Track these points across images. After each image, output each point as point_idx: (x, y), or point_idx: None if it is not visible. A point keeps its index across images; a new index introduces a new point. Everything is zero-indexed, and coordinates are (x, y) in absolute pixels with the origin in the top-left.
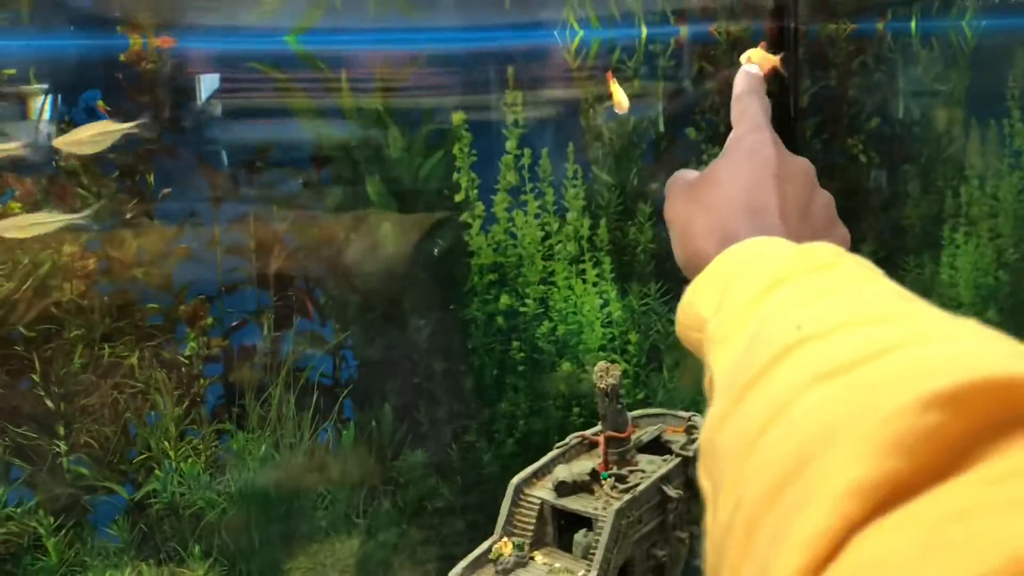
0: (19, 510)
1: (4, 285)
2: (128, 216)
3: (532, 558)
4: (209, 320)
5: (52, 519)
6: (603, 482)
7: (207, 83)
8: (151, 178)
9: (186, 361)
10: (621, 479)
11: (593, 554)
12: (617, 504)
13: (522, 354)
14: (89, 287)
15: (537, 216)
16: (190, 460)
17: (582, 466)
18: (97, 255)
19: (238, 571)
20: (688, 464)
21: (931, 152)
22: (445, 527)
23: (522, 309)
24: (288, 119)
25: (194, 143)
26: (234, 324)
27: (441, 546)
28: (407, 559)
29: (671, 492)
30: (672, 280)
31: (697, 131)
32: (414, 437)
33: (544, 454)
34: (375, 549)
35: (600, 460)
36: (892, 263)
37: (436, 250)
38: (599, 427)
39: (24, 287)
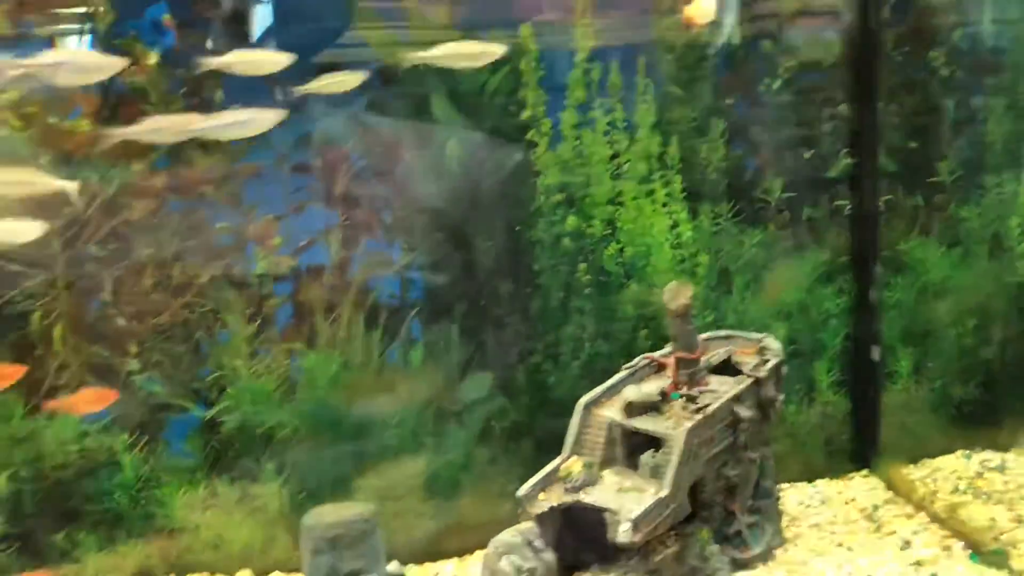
0: (94, 427)
1: (74, 203)
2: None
3: (601, 477)
4: (278, 240)
5: (127, 436)
6: (673, 403)
7: None
8: (218, 95)
9: (256, 280)
10: (691, 400)
11: (661, 474)
12: (689, 423)
13: (589, 276)
14: (159, 206)
15: (606, 133)
16: (262, 379)
17: (651, 387)
18: (167, 173)
19: (309, 489)
20: (760, 385)
21: (1017, 67)
22: (511, 447)
23: (589, 230)
24: (353, 34)
25: None
26: (302, 244)
27: (507, 466)
28: (475, 478)
29: (743, 413)
30: (744, 199)
31: (773, 43)
32: (480, 358)
33: (610, 377)
34: (443, 469)
35: (669, 382)
36: (971, 182)
37: (502, 168)
38: (668, 349)
39: (94, 205)
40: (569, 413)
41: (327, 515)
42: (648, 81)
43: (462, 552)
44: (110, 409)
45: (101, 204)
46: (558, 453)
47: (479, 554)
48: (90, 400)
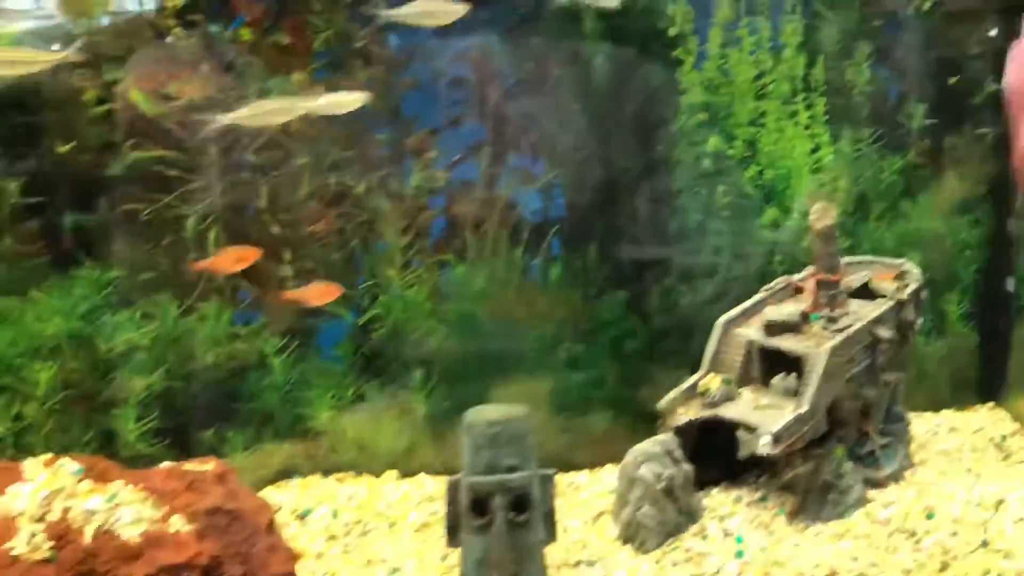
0: (246, 330)
1: (233, 112)
2: (357, 45)
3: (738, 394)
4: (434, 153)
5: (278, 339)
6: (812, 324)
7: None
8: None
9: (412, 193)
10: (831, 321)
11: (795, 394)
12: (831, 342)
13: (727, 198)
14: (317, 116)
15: (752, 53)
16: (413, 289)
17: (790, 309)
18: (325, 83)
19: (455, 395)
20: (901, 308)
21: None
22: (642, 365)
23: (730, 152)
24: None
25: None
26: (456, 158)
27: (638, 384)
28: (606, 395)
29: (883, 334)
30: (886, 125)
31: None
32: (616, 278)
33: (743, 301)
34: (576, 384)
35: (809, 303)
36: None
37: (647, 87)
38: (805, 272)
39: (253, 114)
40: (701, 335)
41: (487, 413)
42: (796, 0)
43: (592, 464)
44: (261, 313)
45: (260, 113)
46: (688, 374)
47: (609, 467)
48: (320, 293)
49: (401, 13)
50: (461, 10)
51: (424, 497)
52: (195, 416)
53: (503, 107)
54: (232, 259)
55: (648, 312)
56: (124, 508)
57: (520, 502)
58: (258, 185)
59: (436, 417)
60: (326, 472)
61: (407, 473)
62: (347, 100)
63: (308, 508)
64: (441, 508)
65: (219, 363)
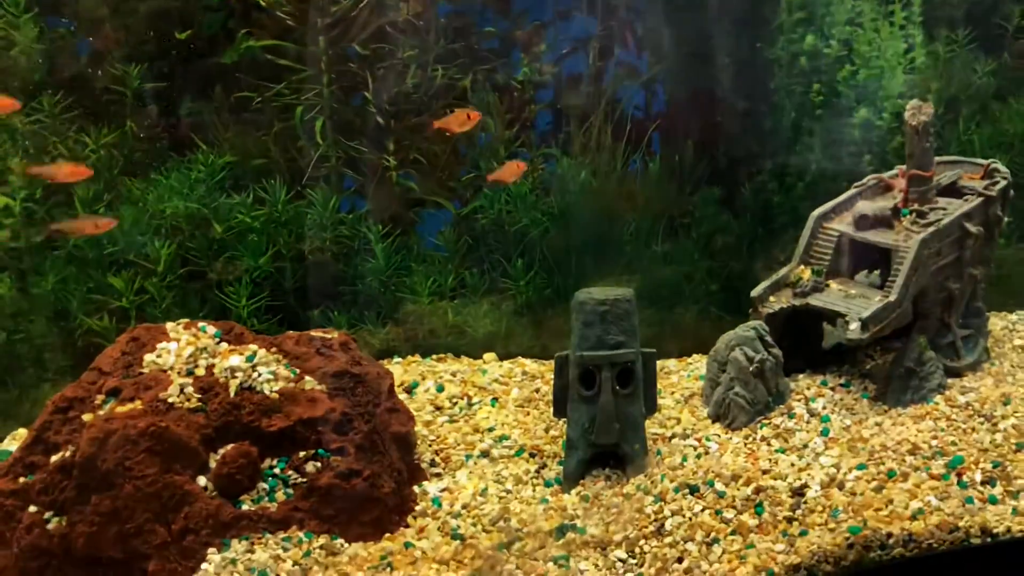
0: (351, 216)
1: (341, 3)
2: None
3: (827, 285)
4: (543, 46)
5: (380, 226)
6: (902, 218)
7: None
8: None
9: (519, 86)
10: (921, 215)
11: (880, 288)
12: (922, 234)
13: (821, 97)
14: (426, 8)
15: None
16: (520, 181)
17: (881, 204)
18: None
19: (555, 283)
20: (989, 204)
21: None
22: (734, 259)
23: (826, 50)
24: None
25: None
26: (564, 51)
27: (727, 278)
28: (696, 288)
29: (972, 228)
30: (983, 26)
31: None
32: (712, 174)
33: (832, 198)
34: (670, 275)
35: (899, 198)
36: None
37: None
38: (895, 170)
39: (360, 5)
40: (790, 231)
41: (596, 293)
42: None
43: (680, 354)
44: (366, 200)
45: (368, 4)
46: (777, 268)
47: (696, 357)
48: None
49: None
50: None
51: (526, 376)
52: (302, 296)
53: (611, 2)
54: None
55: (740, 208)
56: (262, 367)
57: (625, 375)
58: (365, 76)
59: (534, 304)
60: (425, 353)
61: (505, 356)
62: None
63: (414, 382)
64: (542, 386)
65: (325, 247)
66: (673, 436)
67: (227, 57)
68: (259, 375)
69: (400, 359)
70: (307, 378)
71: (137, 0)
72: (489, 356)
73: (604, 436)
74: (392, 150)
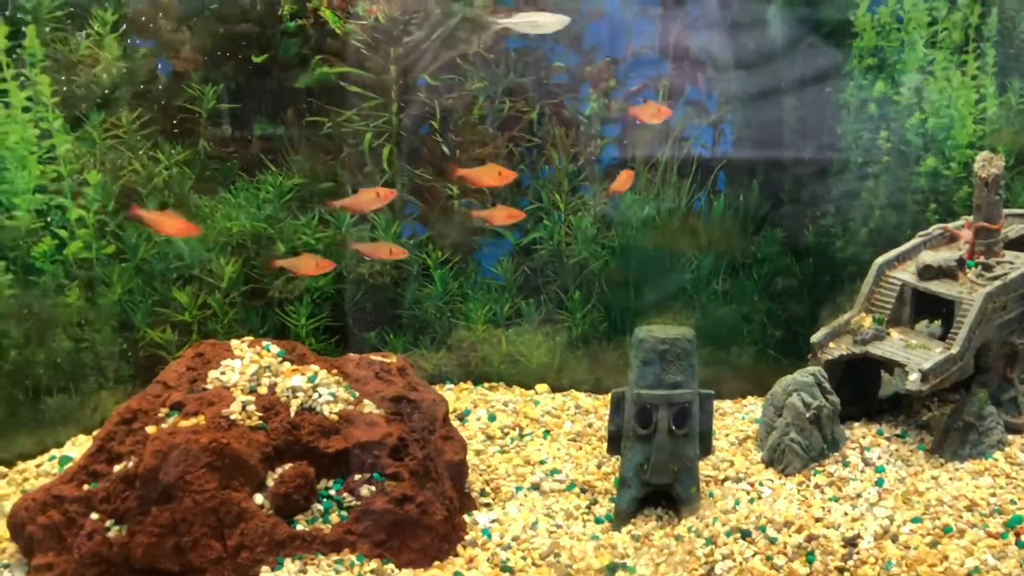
0: (411, 241)
1: (414, 33)
2: None
3: (888, 333)
4: (612, 82)
5: (440, 253)
6: (968, 270)
7: None
8: None
9: (585, 120)
10: (987, 268)
11: (942, 339)
12: (988, 288)
13: (889, 144)
14: (497, 41)
15: (926, 0)
16: (579, 214)
17: (946, 254)
18: (508, 11)
19: (611, 318)
20: None
21: None
22: (792, 303)
23: (896, 98)
24: None
25: None
26: (634, 88)
27: (786, 321)
28: (755, 329)
29: None
30: None
31: None
32: (775, 216)
33: (895, 246)
34: (729, 315)
35: (965, 250)
36: None
37: (821, 28)
38: (961, 221)
39: (432, 36)
40: (852, 277)
41: (657, 331)
42: None
43: (735, 395)
44: (426, 227)
45: (441, 35)
46: (836, 314)
47: (752, 399)
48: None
49: (512, 22)
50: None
51: (579, 410)
52: (360, 318)
53: (683, 42)
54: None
55: (802, 251)
56: (322, 388)
57: (682, 416)
58: (433, 106)
59: (589, 338)
60: (477, 381)
61: (557, 388)
62: (547, 20)
63: (466, 409)
64: (595, 420)
65: (385, 270)
66: (726, 479)
67: (301, 82)
68: (319, 396)
69: (452, 385)
70: (366, 401)
71: (216, 23)
72: (542, 387)
73: (658, 476)
74: (456, 179)
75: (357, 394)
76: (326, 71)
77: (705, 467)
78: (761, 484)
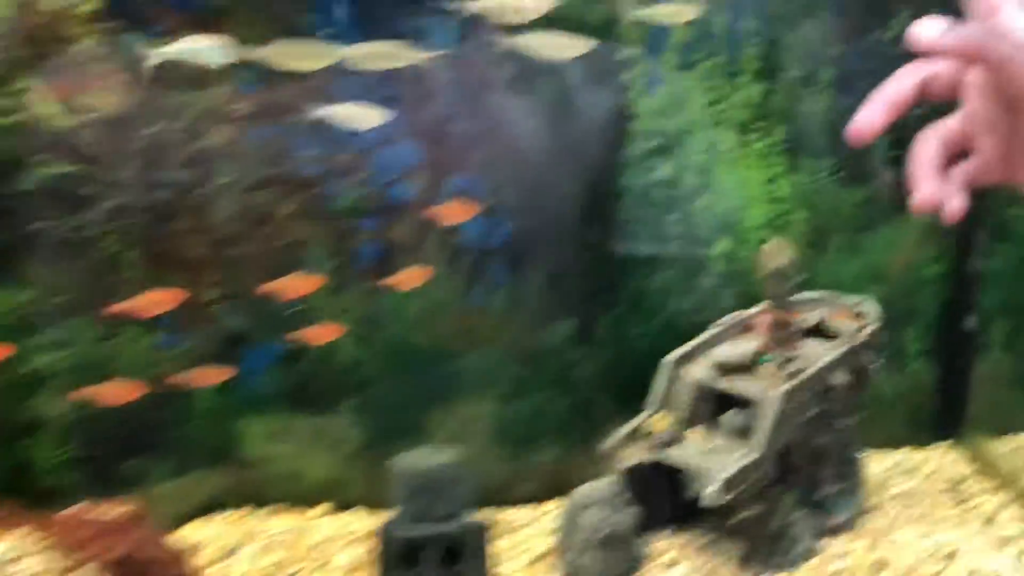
0: (170, 354)
1: (153, 126)
2: None
3: (686, 435)
4: (366, 173)
5: (203, 365)
6: (765, 365)
7: None
8: None
9: (342, 214)
10: (785, 362)
11: (746, 435)
12: (784, 386)
13: (679, 228)
14: (243, 131)
15: (706, 78)
16: (344, 315)
17: (742, 348)
18: (253, 97)
19: (389, 424)
20: (856, 352)
21: None
22: (589, 399)
23: (682, 180)
24: None
25: None
26: (389, 180)
27: (583, 417)
28: (550, 427)
29: (838, 379)
30: (847, 155)
31: None
32: (563, 306)
33: (694, 333)
34: (518, 415)
35: (760, 342)
36: None
37: (595, 111)
38: (759, 308)
39: (173, 129)
40: (650, 367)
41: (418, 460)
42: (756, 23)
43: (534, 500)
44: (187, 336)
45: (182, 127)
46: (636, 407)
47: (553, 503)
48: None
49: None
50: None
51: (356, 535)
52: (116, 445)
53: (443, 126)
54: (153, 301)
55: (595, 342)
56: (28, 558)
57: (453, 552)
58: (179, 204)
59: (370, 447)
60: (257, 503)
61: (342, 505)
62: (365, 115)
63: (236, 544)
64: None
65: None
66: None
67: (24, 184)
68: (21, 569)
69: (228, 511)
70: (86, 567)
71: None
72: (323, 507)
73: None
74: (212, 282)
75: (73, 560)
76: (51, 170)
77: None
78: None
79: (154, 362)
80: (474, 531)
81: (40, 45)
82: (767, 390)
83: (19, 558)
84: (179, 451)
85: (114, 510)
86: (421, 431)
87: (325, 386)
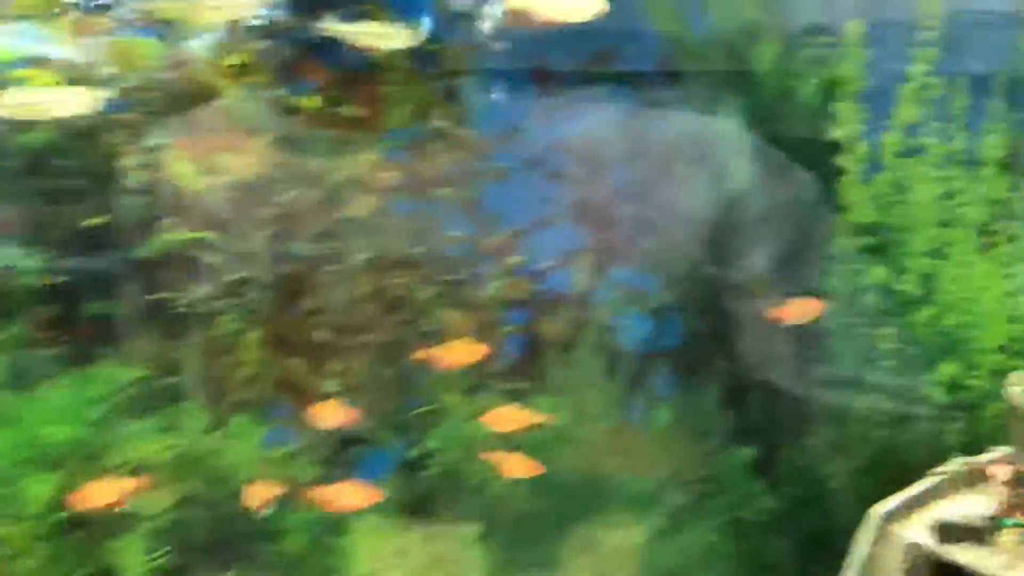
0: (279, 453)
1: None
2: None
3: None
4: (517, 258)
5: (314, 467)
6: (1004, 531)
7: None
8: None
9: (487, 303)
10: None
11: None
12: None
13: (892, 345)
14: (385, 203)
15: (938, 166)
16: (479, 420)
17: (973, 505)
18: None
19: (511, 553)
20: None
21: None
22: (763, 546)
23: (900, 287)
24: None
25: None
26: (545, 266)
27: (755, 570)
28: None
29: None
30: None
31: None
32: (740, 430)
33: (906, 475)
34: (675, 558)
35: (998, 500)
36: None
37: (798, 199)
38: (997, 454)
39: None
40: (845, 516)
41: None
42: (1004, 104)
43: None
44: (298, 435)
45: (318, 196)
46: (823, 565)
47: None
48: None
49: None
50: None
51: None
52: (211, 554)
53: (610, 208)
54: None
55: (778, 478)
56: None
57: None
58: (304, 282)
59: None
60: None
61: None
62: None
63: None
64: None
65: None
66: None
67: (145, 250)
68: None
69: None
70: None
71: (42, 173)
72: None
73: None
74: (335, 371)
75: None
76: (176, 237)
77: None
78: None
79: (261, 460)
80: None
81: (182, 98)
82: (1009, 568)
83: None
84: (280, 566)
85: None
86: (555, 561)
87: (449, 501)
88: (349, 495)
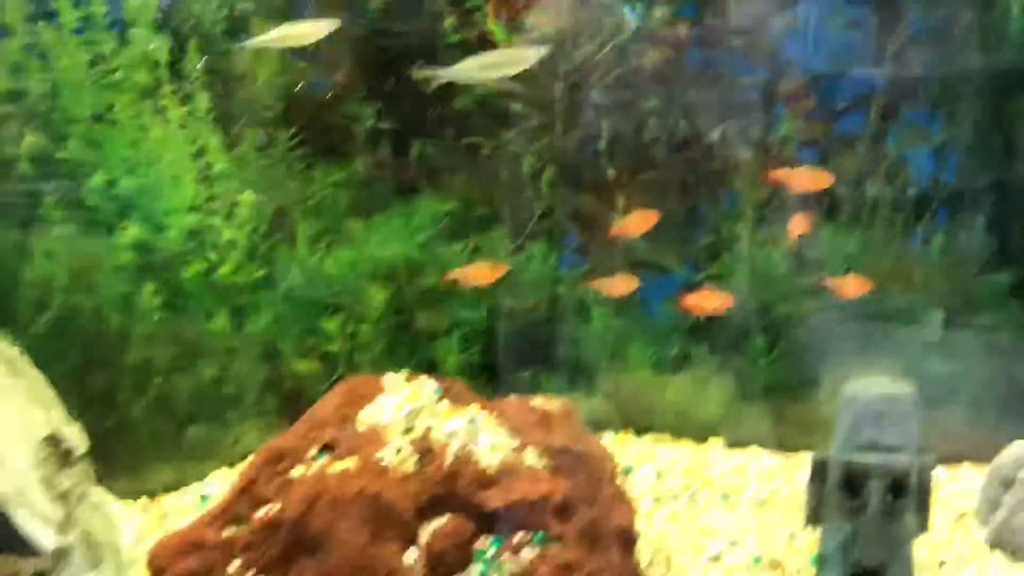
0: (571, 275)
1: (583, 48)
2: None
3: None
4: (812, 101)
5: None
6: None
7: None
8: None
9: (778, 143)
10: None
11: None
12: None
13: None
14: (678, 55)
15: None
16: (764, 248)
17: None
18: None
19: (800, 369)
20: None
21: None
22: (1013, 358)
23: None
24: None
25: None
26: (840, 107)
27: (1006, 377)
28: (971, 385)
29: None
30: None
31: None
32: (1003, 257)
33: None
34: (941, 370)
35: None
36: None
37: None
38: None
39: (603, 50)
40: None
41: (874, 387)
42: None
43: (948, 461)
44: (587, 259)
45: (613, 48)
46: None
47: (968, 465)
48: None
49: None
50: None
51: (763, 472)
52: (513, 355)
53: (904, 52)
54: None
55: None
56: (483, 433)
57: (898, 487)
58: (600, 126)
59: (774, 390)
60: (639, 431)
61: (733, 444)
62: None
63: (630, 466)
64: (784, 486)
65: (541, 305)
66: (943, 563)
67: (460, 101)
68: (479, 443)
69: (612, 435)
70: (529, 450)
71: (377, 38)
72: (715, 440)
73: (870, 556)
74: (622, 206)
75: (519, 441)
76: (489, 89)
77: (918, 547)
78: (988, 570)
79: (556, 280)
80: (923, 468)
81: None
82: None
83: (476, 431)
84: (569, 369)
85: (548, 404)
86: (831, 380)
87: (731, 322)
88: (612, 286)
